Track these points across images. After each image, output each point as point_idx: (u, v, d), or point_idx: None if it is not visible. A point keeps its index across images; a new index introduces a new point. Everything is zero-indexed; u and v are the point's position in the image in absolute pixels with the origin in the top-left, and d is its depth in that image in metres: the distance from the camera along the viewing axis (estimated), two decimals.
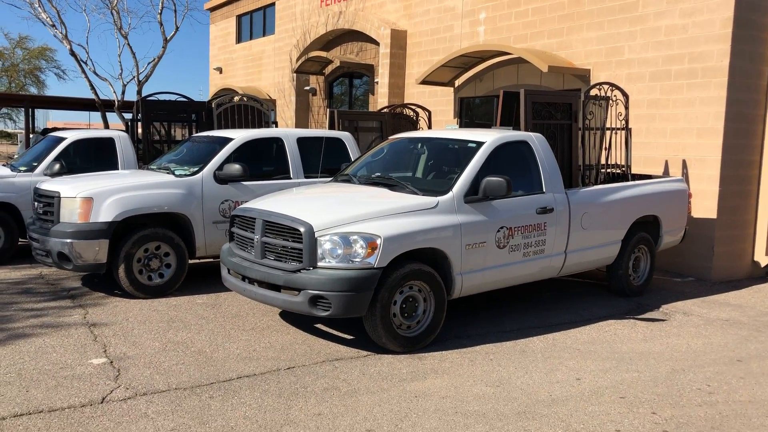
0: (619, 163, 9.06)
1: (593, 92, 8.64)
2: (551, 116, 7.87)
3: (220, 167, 7.75)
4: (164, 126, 10.89)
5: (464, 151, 6.57)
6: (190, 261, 7.72)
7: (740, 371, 5.49)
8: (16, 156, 19.99)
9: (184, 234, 7.57)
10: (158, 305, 7.03)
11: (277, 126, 12.63)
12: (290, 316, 6.66)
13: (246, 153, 8.07)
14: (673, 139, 9.62)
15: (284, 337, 6.03)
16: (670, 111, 9.66)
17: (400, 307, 5.64)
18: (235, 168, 7.60)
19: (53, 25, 15.45)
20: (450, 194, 6.01)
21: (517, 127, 7.70)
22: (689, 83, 9.39)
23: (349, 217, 5.56)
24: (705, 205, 9.17)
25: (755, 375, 5.42)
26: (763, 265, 9.52)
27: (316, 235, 5.43)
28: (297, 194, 6.49)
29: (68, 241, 6.96)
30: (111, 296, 7.37)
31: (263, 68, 22.23)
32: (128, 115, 16.19)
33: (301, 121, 19.55)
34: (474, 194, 6.11)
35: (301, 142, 8.53)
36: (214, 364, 5.29)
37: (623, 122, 9.00)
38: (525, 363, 5.53)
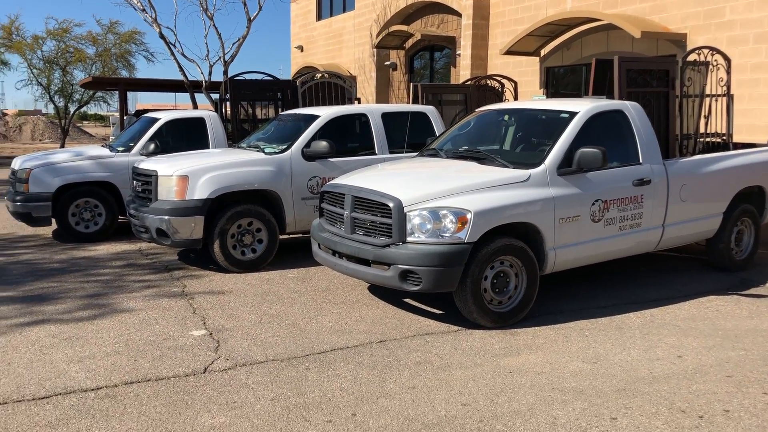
0: (719, 131, 8.57)
1: (691, 57, 8.18)
2: (647, 84, 7.52)
3: (308, 144, 7.84)
4: (251, 105, 11.12)
5: (556, 121, 6.37)
6: (280, 236, 7.88)
7: None
8: (111, 137, 21.00)
9: (275, 210, 7.73)
10: (251, 279, 7.23)
11: (360, 102, 12.66)
12: (379, 290, 6.71)
13: (332, 130, 8.13)
14: None
15: (374, 311, 6.08)
16: None
17: (491, 282, 5.57)
18: (322, 145, 7.67)
19: (143, 10, 15.99)
20: (542, 167, 5.85)
21: (610, 96, 7.40)
22: None
23: (437, 192, 5.51)
24: None
25: None
26: None
27: (405, 210, 5.41)
28: (385, 170, 6.48)
29: (166, 217, 7.23)
30: (206, 270, 7.64)
31: (343, 45, 22.30)
32: (215, 95, 16.64)
33: (382, 96, 19.54)
34: (567, 166, 5.93)
35: (386, 117, 8.51)
36: (308, 337, 5.40)
37: (724, 88, 8.49)
38: (622, 340, 5.37)
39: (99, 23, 37.72)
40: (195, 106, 16.55)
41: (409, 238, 5.42)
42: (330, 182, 6.42)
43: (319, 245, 6.37)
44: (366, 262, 5.69)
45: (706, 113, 8.45)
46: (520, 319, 5.74)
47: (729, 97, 8.53)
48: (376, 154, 8.30)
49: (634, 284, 7.05)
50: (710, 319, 5.91)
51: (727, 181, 7.19)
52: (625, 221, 6.31)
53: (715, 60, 8.35)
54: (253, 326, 5.68)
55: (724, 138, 8.54)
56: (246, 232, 7.52)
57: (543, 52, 13.32)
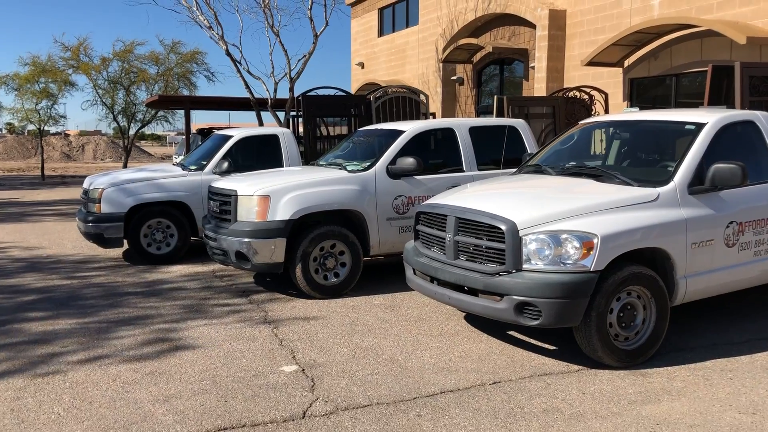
0: None
1: None
2: None
3: (393, 161, 7.34)
4: (324, 121, 10.73)
5: (679, 134, 5.70)
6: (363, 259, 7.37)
7: None
8: (176, 156, 20.98)
9: (358, 232, 7.24)
10: (336, 306, 6.73)
11: (434, 117, 12.15)
12: (478, 321, 6.12)
13: (417, 146, 7.61)
14: None
15: (478, 346, 5.48)
16: None
17: (617, 315, 4.92)
18: (409, 162, 7.15)
19: (210, 27, 15.88)
20: (671, 184, 5.18)
21: (730, 106, 6.68)
22: None
23: (556, 213, 4.90)
24: None
25: None
26: None
27: (520, 234, 4.82)
28: (489, 188, 5.91)
29: (246, 240, 6.81)
30: (286, 296, 7.17)
31: (406, 60, 21.91)
32: (281, 113, 16.37)
33: (448, 112, 19.01)
34: (699, 184, 5.24)
35: (474, 132, 7.95)
36: (411, 376, 4.84)
37: None
38: None
39: (162, 43, 38.37)
40: (261, 124, 16.31)
41: (524, 266, 4.82)
42: (428, 202, 5.87)
43: (414, 271, 5.82)
44: (472, 292, 5.11)
45: None
46: (648, 357, 5.06)
47: None
48: (464, 171, 7.73)
49: (759, 316, 6.26)
50: None
51: None
52: (761, 245, 5.58)
53: None
54: (347, 361, 5.15)
55: None
56: (329, 255, 7.04)
57: (627, 62, 12.57)
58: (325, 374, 4.88)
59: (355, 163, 7.68)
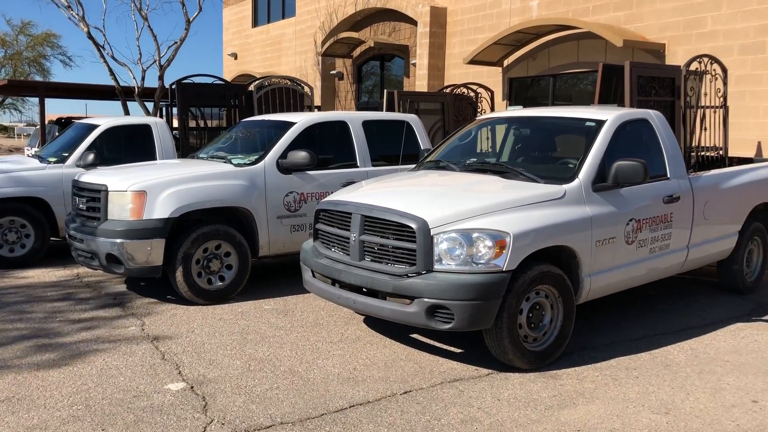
0: (716, 145, 8.15)
1: (692, 66, 7.72)
2: (654, 92, 6.98)
3: (284, 155, 6.85)
4: (201, 111, 10.00)
5: (580, 131, 5.67)
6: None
7: None
8: (29, 148, 19.05)
9: (246, 231, 6.69)
10: (222, 313, 6.16)
11: (320, 110, 11.71)
12: (379, 324, 5.79)
13: (308, 139, 7.17)
14: (767, 118, 8.72)
15: (382, 351, 5.15)
16: (764, 87, 8.76)
17: (526, 316, 4.77)
18: (302, 155, 6.70)
19: (68, 6, 14.49)
20: (576, 182, 5.11)
21: (620, 104, 6.81)
22: None
23: (467, 211, 4.67)
24: None
25: None
26: None
27: (432, 233, 4.54)
28: (395, 184, 5.59)
29: (119, 241, 6.07)
30: (165, 302, 6.50)
31: (283, 53, 21.27)
32: (150, 104, 15.27)
33: (328, 107, 18.62)
34: (602, 181, 5.22)
35: (367, 125, 7.62)
36: (316, 389, 4.42)
37: (721, 99, 8.09)
38: (678, 381, 4.66)
39: (9, 23, 35.05)
40: (127, 114, 15.12)
41: (436, 266, 4.54)
42: (329, 198, 5.46)
43: (313, 273, 5.39)
44: (380, 295, 4.77)
45: (704, 125, 8.03)
46: (556, 357, 4.96)
47: (725, 109, 8.14)
48: (358, 167, 7.38)
49: (654, 311, 6.41)
50: (756, 352, 5.31)
51: (744, 198, 6.70)
52: (656, 242, 5.67)
53: (714, 69, 7.94)
54: (241, 375, 4.64)
55: (720, 152, 8.13)
56: (213, 257, 6.44)
57: (506, 62, 12.78)
58: (218, 391, 4.36)
59: (240, 156, 7.11)
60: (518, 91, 12.94)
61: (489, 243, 4.48)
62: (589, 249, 5.04)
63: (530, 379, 4.63)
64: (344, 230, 5.06)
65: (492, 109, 10.72)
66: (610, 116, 5.64)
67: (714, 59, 7.88)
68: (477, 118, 6.68)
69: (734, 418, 4.07)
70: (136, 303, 6.48)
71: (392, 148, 7.68)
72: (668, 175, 5.86)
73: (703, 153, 8.05)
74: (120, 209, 6.19)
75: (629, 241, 5.37)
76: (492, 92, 11.31)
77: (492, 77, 13.15)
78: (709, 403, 4.28)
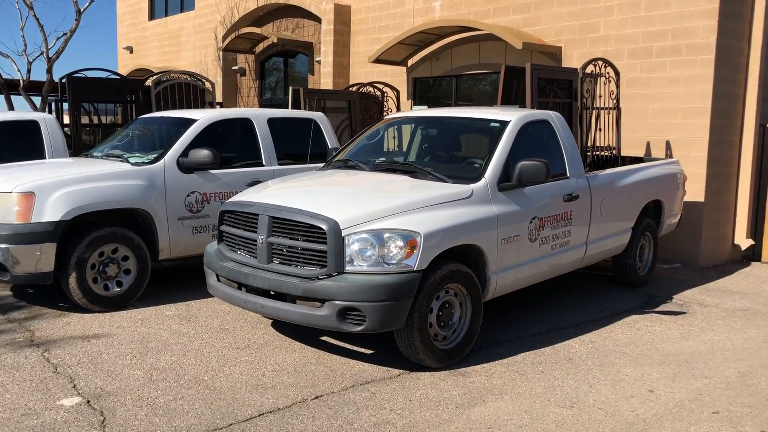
0: (610, 145, 8.54)
1: (588, 69, 8.05)
2: (553, 94, 7.22)
3: (185, 153, 6.58)
4: (94, 107, 9.48)
5: (485, 131, 5.77)
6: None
7: None
8: None
9: (145, 233, 6.38)
10: (121, 320, 5.84)
11: (222, 106, 11.39)
12: (287, 328, 5.67)
13: (211, 137, 6.92)
14: (655, 119, 9.22)
15: (291, 356, 5.04)
16: (652, 90, 9.24)
17: (436, 315, 4.79)
18: (204, 154, 6.46)
19: None
20: (483, 181, 5.19)
21: (522, 106, 6.99)
22: (673, 61, 8.99)
23: (378, 211, 4.63)
24: (692, 188, 8.82)
25: None
26: (743, 248, 9.32)
27: (343, 234, 4.47)
28: (303, 184, 5.47)
29: (3, 246, 5.63)
30: (57, 310, 6.09)
31: (182, 47, 20.54)
32: (37, 98, 14.34)
33: (230, 103, 18.14)
34: (506, 180, 5.32)
35: (273, 123, 7.45)
36: (223, 397, 4.26)
37: (614, 101, 8.48)
38: (581, 374, 4.82)
39: None
40: (11, 109, 14.13)
41: (347, 268, 4.48)
42: (234, 199, 5.28)
43: (218, 277, 5.20)
44: (290, 299, 4.65)
45: (598, 126, 8.39)
46: (465, 355, 5.02)
47: (618, 110, 8.53)
48: (263, 166, 7.20)
49: (557, 306, 6.62)
50: (650, 343, 5.58)
51: (637, 195, 7.05)
52: (557, 239, 5.85)
53: (608, 72, 8.31)
54: (143, 386, 4.40)
55: (614, 151, 8.53)
56: (110, 262, 6.10)
57: (410, 62, 12.88)
58: (118, 405, 4.11)
59: (138, 154, 6.78)
60: (422, 90, 13.07)
61: (400, 243, 4.46)
62: (495, 247, 5.13)
63: (441, 378, 4.66)
64: (251, 232, 4.90)
65: (398, 109, 10.78)
66: (513, 117, 5.77)
67: (608, 62, 8.25)
68: (385, 117, 6.67)
69: (633, 408, 4.25)
70: (23, 312, 6.04)
71: (299, 147, 7.56)
72: (568, 175, 6.06)
73: (597, 153, 8.43)
74: (5, 212, 5.74)
75: (532, 238, 5.51)
76: (398, 91, 11.37)
77: (397, 77, 13.21)
78: (610, 395, 4.45)
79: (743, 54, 9.06)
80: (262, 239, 4.78)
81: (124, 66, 23.27)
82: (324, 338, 5.44)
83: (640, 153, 9.32)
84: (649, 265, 7.65)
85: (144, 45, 22.54)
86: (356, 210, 4.62)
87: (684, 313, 6.56)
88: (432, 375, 4.71)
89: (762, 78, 9.06)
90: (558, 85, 7.25)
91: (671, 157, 8.94)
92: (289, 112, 7.90)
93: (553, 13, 10.43)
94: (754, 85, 9.08)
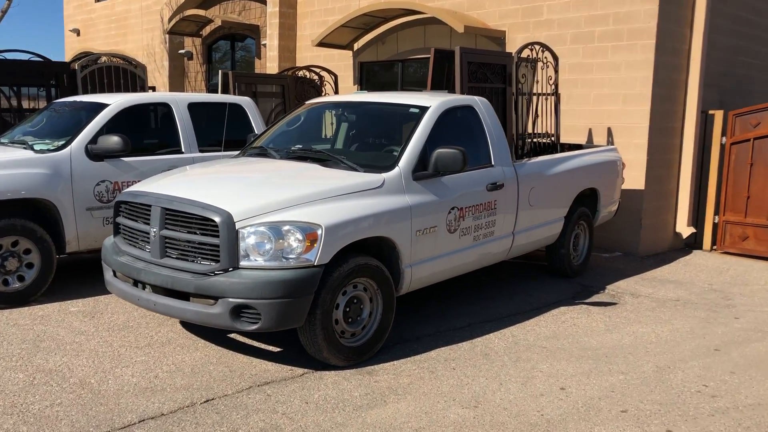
0: (548, 131, 8.35)
1: (524, 53, 7.82)
2: (486, 79, 6.98)
3: (94, 140, 6.21)
4: (14, 91, 8.99)
5: (405, 117, 5.51)
6: (58, 257, 6.15)
7: (726, 364, 4.89)
8: None
9: (50, 225, 6.01)
10: (19, 317, 5.49)
11: (155, 91, 10.95)
12: (194, 325, 5.36)
13: (125, 122, 6.56)
14: (597, 106, 9.07)
15: (192, 356, 4.75)
16: (594, 76, 9.09)
17: (343, 311, 4.54)
18: (113, 141, 6.10)
19: None
20: (396, 170, 4.94)
21: (451, 91, 6.75)
22: (614, 46, 8.84)
23: (278, 202, 4.36)
24: (632, 175, 8.70)
25: (743, 368, 4.83)
26: (684, 236, 9.25)
27: (237, 227, 4.19)
28: (204, 173, 5.17)
29: None
30: None
31: (129, 30, 19.90)
32: None
33: (176, 88, 17.63)
34: (423, 169, 5.08)
35: (194, 108, 7.10)
36: (105, 402, 3.96)
37: (553, 87, 8.28)
38: (494, 370, 4.63)
39: None
40: None
41: (242, 263, 4.21)
42: (130, 189, 4.95)
43: (114, 273, 4.88)
44: (183, 296, 4.36)
45: (537, 112, 8.20)
46: (375, 352, 4.79)
47: (557, 96, 8.34)
48: (182, 153, 6.86)
49: (482, 298, 6.43)
50: (573, 336, 5.42)
51: (569, 184, 6.88)
52: (480, 230, 5.64)
53: (545, 57, 8.10)
54: (21, 392, 4.09)
55: (552, 138, 8.34)
56: (10, 255, 5.73)
57: (357, 45, 12.56)
58: None
59: (46, 141, 6.39)
60: (369, 75, 12.78)
61: (299, 236, 4.20)
62: (409, 239, 4.89)
63: (345, 377, 4.42)
64: (144, 224, 4.59)
65: (336, 93, 10.48)
66: (433, 103, 5.52)
67: (545, 47, 8.04)
68: (306, 102, 6.37)
69: (540, 407, 4.06)
70: None
71: (227, 133, 7.22)
72: (492, 163, 5.84)
73: (537, 140, 8.23)
74: None
75: (451, 229, 5.29)
76: (336, 76, 11.04)
77: (343, 61, 12.89)
78: (519, 393, 4.26)
79: (685, 39, 8.94)
80: (154, 232, 4.47)
81: (71, 49, 22.52)
82: (232, 336, 5.16)
83: (583, 140, 9.17)
84: (584, 255, 7.50)
85: (91, 28, 21.82)
86: (254, 201, 4.34)
87: (614, 304, 6.43)
88: (337, 374, 4.47)
89: (704, 64, 8.96)
90: (491, 70, 7.02)
91: (612, 144, 8.81)
92: (212, 97, 7.56)
93: None
94: (696, 70, 8.97)
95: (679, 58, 8.89)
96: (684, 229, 9.23)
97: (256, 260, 4.19)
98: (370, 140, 5.89)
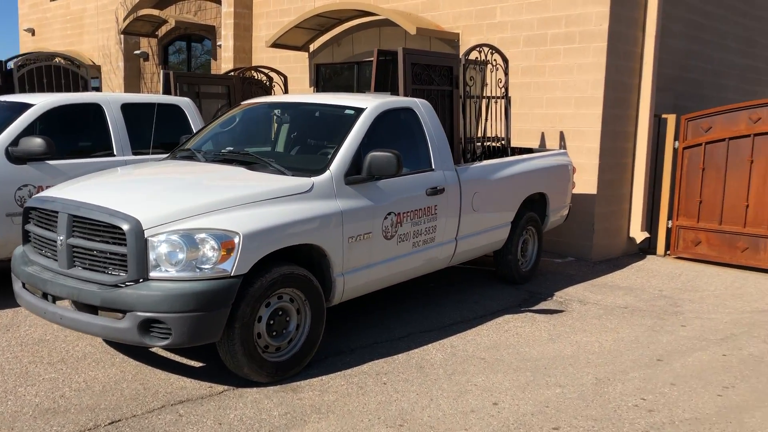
0: (498, 135, 8.19)
1: (472, 55, 7.65)
2: (431, 81, 6.79)
3: (15, 141, 5.88)
4: None
5: (340, 119, 5.28)
6: None
7: (668, 375, 4.74)
8: None
9: None
10: None
11: (100, 91, 10.52)
12: None
13: (52, 124, 6.25)
14: (550, 109, 8.95)
15: (107, 372, 4.46)
16: (547, 79, 8.97)
17: (266, 324, 4.29)
18: (36, 143, 5.77)
19: None
20: (327, 174, 4.71)
21: (395, 93, 6.54)
22: (566, 48, 8.73)
23: (193, 208, 4.09)
24: (584, 179, 8.59)
25: (684, 379, 4.68)
26: (638, 241, 9.16)
27: (146, 235, 3.91)
28: (118, 177, 4.88)
29: None
30: None
31: (85, 30, 19.39)
32: None
33: (132, 89, 17.20)
34: (356, 173, 4.86)
35: (128, 109, 6.80)
36: None
37: (503, 90, 8.12)
38: (427, 385, 4.41)
39: None
40: None
41: (152, 273, 3.93)
42: (39, 194, 4.64)
43: (23, 284, 4.56)
44: (92, 309, 4.07)
45: (487, 115, 8.03)
46: (304, 366, 4.54)
47: (507, 99, 8.18)
48: (114, 156, 6.55)
49: (429, 306, 6.23)
50: (514, 347, 5.23)
51: (516, 188, 6.71)
52: (419, 236, 5.43)
53: (495, 60, 7.94)
54: None
55: (503, 142, 8.18)
56: None
57: (312, 47, 12.31)
58: None
59: None
60: (325, 77, 12.54)
61: (214, 244, 3.94)
62: (341, 246, 4.66)
63: (267, 395, 4.17)
64: (52, 232, 4.29)
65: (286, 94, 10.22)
66: (370, 104, 5.30)
67: (495, 49, 7.88)
68: (241, 103, 6.11)
69: (469, 425, 3.85)
70: None
71: (161, 135, 6.91)
72: (433, 167, 5.64)
73: (488, 143, 8.06)
74: None
75: (388, 235, 5.07)
76: (285, 77, 10.79)
77: (299, 62, 12.63)
78: (449, 410, 4.05)
79: (637, 43, 8.86)
80: (61, 240, 4.17)
81: (26, 49, 21.87)
82: (155, 350, 4.87)
83: (537, 144, 9.04)
84: (533, 261, 7.34)
85: (46, 27, 21.23)
86: (166, 207, 4.07)
87: (561, 311, 6.27)
88: (259, 392, 4.21)
89: (656, 67, 8.88)
90: (437, 72, 6.82)
91: (564, 147, 8.69)
92: (148, 98, 7.25)
93: None
94: (649, 74, 8.89)
95: (631, 61, 8.80)
96: (638, 234, 9.14)
97: (167, 271, 3.92)
98: (308, 142, 5.64)
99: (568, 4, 8.64)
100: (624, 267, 8.36)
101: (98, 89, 10.79)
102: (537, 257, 7.39)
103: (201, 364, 4.63)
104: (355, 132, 5.02)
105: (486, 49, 7.77)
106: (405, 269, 5.41)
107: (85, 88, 9.80)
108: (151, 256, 3.92)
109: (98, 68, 18.45)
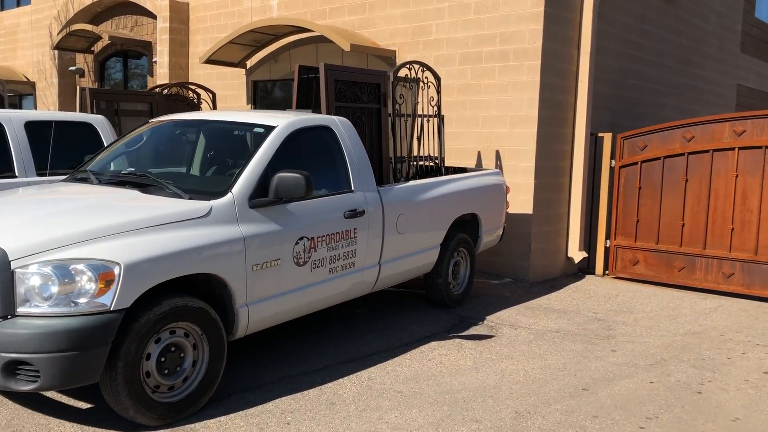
0: (432, 154, 7.98)
1: (402, 73, 7.44)
2: (357, 98, 6.54)
3: None
4: None
5: (249, 138, 4.97)
6: None
7: (591, 406, 4.52)
8: None
9: None
10: None
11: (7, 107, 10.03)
12: None
13: None
14: (486, 128, 8.79)
15: None
16: (482, 97, 8.81)
17: (156, 361, 3.92)
18: None
19: None
20: (228, 196, 4.38)
21: (317, 110, 6.27)
22: (501, 66, 8.59)
23: (71, 235, 3.72)
24: (520, 199, 8.43)
25: (608, 410, 4.46)
26: (576, 261, 9.03)
27: (12, 266, 3.53)
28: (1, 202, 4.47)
29: None
30: None
31: (19, 45, 18.71)
32: None
33: (67, 106, 16.58)
34: (263, 195, 4.54)
35: (33, 127, 6.37)
36: None
37: (435, 108, 7.93)
38: (334, 424, 4.09)
39: None
40: None
41: (20, 309, 3.54)
42: None
43: None
44: None
45: (419, 134, 7.82)
46: (202, 405, 4.18)
47: (440, 118, 7.99)
48: (16, 177, 6.11)
49: (351, 334, 5.92)
50: (435, 377, 4.96)
51: (444, 210, 6.47)
52: (337, 261, 5.13)
53: (426, 77, 7.75)
54: None
55: (437, 161, 7.98)
56: None
57: (249, 63, 12.00)
58: None
59: None
60: (263, 94, 12.23)
61: (91, 276, 3.57)
62: (243, 275, 4.33)
63: None
64: None
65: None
66: (281, 122, 5.01)
67: (426, 66, 7.69)
68: (149, 121, 5.75)
69: None
70: None
71: (72, 155, 6.49)
72: (352, 188, 5.36)
73: (421, 163, 7.85)
74: None
75: (300, 262, 4.76)
76: (213, 93, 10.44)
77: (236, 79, 12.30)
78: None
79: (572, 60, 8.78)
80: None
81: None
82: None
83: (473, 163, 8.86)
84: (465, 284, 7.11)
85: None
86: (41, 234, 3.69)
87: (490, 337, 6.03)
88: None
89: (592, 85, 8.82)
90: (363, 89, 6.58)
91: (500, 167, 8.53)
92: (56, 115, 6.82)
93: (386, 15, 9.86)
94: (584, 92, 8.81)
95: (566, 79, 8.71)
96: (576, 254, 9.01)
97: (38, 306, 3.53)
98: (216, 163, 5.31)
99: (503, 21, 8.52)
100: (561, 288, 8.20)
101: (16, 106, 10.24)
102: (470, 280, 7.16)
103: (89, 405, 4.23)
104: (262, 152, 4.71)
105: (417, 66, 7.58)
106: (322, 297, 5.09)
107: (2, 105, 9.30)
108: (20, 289, 3.53)
109: (33, 84, 17.80)
